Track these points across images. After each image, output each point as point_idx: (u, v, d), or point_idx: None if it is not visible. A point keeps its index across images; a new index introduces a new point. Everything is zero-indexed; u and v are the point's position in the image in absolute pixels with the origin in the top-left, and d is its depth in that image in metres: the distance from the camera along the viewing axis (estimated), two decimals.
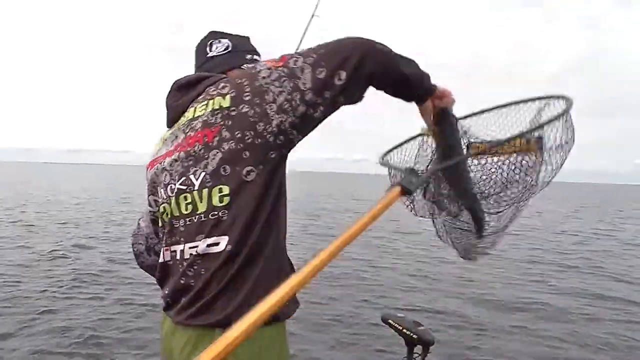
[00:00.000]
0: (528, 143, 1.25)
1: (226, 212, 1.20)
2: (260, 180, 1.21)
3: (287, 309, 1.28)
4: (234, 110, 1.22)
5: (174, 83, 1.46)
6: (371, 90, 1.28)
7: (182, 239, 1.27)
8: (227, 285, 1.19)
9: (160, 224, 1.40)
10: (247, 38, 1.59)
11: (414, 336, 2.25)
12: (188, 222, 1.26)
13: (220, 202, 1.21)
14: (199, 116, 1.28)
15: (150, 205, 1.47)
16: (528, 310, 6.84)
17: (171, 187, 1.30)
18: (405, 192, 1.15)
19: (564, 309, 6.94)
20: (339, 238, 0.97)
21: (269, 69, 1.23)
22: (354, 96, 1.25)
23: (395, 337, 2.37)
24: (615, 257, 11.69)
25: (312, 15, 2.39)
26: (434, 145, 1.49)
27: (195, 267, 1.22)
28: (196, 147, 1.25)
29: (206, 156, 1.23)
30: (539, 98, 1.36)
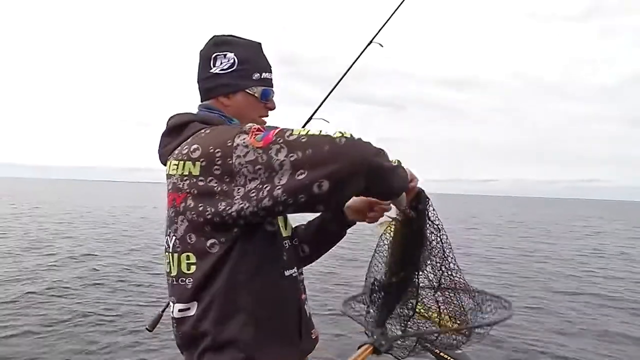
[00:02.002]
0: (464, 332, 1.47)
1: (191, 280, 1.22)
2: (223, 251, 1.20)
3: None
4: (202, 181, 1.17)
5: (168, 120, 1.39)
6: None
7: (171, 296, 1.30)
8: (188, 347, 1.27)
9: None
10: (258, 47, 1.43)
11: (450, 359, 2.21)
12: (169, 281, 1.30)
13: (188, 269, 1.23)
14: (172, 175, 1.25)
15: None
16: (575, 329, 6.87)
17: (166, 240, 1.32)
18: (376, 351, 1.37)
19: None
20: None
21: (246, 146, 1.12)
22: (330, 205, 1.16)
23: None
24: None
25: (370, 42, 2.30)
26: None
27: (176, 327, 1.29)
28: (170, 210, 1.27)
29: (176, 221, 1.24)
30: (492, 295, 1.58)
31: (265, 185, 1.10)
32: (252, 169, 1.11)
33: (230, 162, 1.13)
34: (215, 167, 1.15)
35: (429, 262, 1.46)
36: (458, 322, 1.49)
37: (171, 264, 1.27)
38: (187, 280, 1.23)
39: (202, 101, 1.43)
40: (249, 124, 1.20)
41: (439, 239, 1.45)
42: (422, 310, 1.52)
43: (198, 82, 1.43)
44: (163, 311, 2.33)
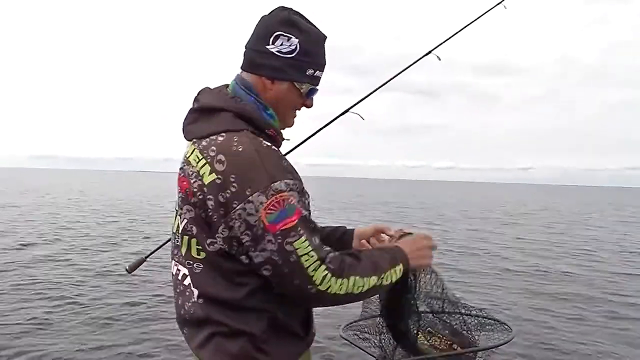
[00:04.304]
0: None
1: (201, 265, 1.24)
2: (222, 251, 1.21)
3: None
4: (206, 192, 1.19)
5: (198, 94, 1.35)
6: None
7: (179, 264, 1.31)
8: (194, 326, 1.29)
9: None
10: (323, 41, 1.34)
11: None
12: (177, 252, 1.32)
13: (198, 255, 1.24)
14: (190, 163, 1.25)
15: None
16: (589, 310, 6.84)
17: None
18: None
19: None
20: None
21: (256, 211, 1.14)
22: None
23: None
24: None
25: (428, 52, 2.26)
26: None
27: (180, 298, 1.31)
28: (180, 193, 1.28)
29: (182, 206, 1.26)
30: (492, 319, 1.63)
31: (241, 248, 1.18)
32: (244, 229, 1.16)
33: (235, 205, 1.15)
34: (222, 194, 1.16)
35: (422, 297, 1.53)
36: (460, 346, 1.53)
37: (181, 243, 1.29)
38: (195, 265, 1.26)
39: (242, 68, 1.35)
40: (276, 186, 1.16)
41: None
42: (423, 338, 1.56)
43: (247, 48, 1.33)
44: (147, 257, 2.38)
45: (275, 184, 1.15)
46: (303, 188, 1.29)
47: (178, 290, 1.32)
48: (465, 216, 24.63)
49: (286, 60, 1.28)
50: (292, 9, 1.31)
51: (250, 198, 1.14)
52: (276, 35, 1.27)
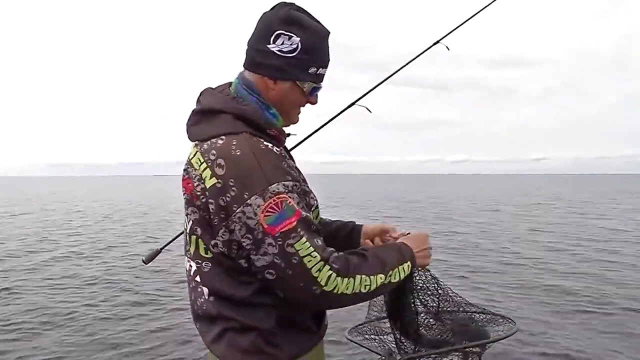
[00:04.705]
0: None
1: (209, 264, 1.26)
2: (223, 253, 1.23)
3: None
4: (211, 200, 1.19)
5: (200, 95, 1.34)
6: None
7: (190, 260, 1.33)
8: (207, 322, 1.30)
9: None
10: (326, 37, 1.31)
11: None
12: (188, 249, 1.33)
13: (205, 254, 1.26)
14: (193, 165, 1.26)
15: None
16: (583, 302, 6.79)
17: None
18: None
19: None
20: None
21: (255, 215, 1.14)
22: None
23: None
24: None
25: (436, 42, 2.19)
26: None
27: (194, 293, 1.33)
28: (185, 194, 1.29)
29: (187, 207, 1.28)
30: (492, 314, 1.65)
31: (241, 252, 1.19)
32: (244, 232, 1.16)
33: (235, 209, 1.15)
34: (222, 198, 1.17)
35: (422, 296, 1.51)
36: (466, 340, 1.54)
37: (190, 242, 1.30)
38: (203, 264, 1.27)
39: (245, 67, 1.33)
40: (274, 188, 1.15)
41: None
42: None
43: (249, 46, 1.31)
44: (162, 248, 2.40)
45: (273, 186, 1.15)
46: (305, 189, 1.29)
47: (191, 286, 1.33)
48: (477, 209, 24.47)
49: (288, 60, 1.25)
50: (293, 4, 1.28)
51: (248, 201, 1.14)
52: (277, 34, 1.24)
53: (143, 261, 2.42)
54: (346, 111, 2.31)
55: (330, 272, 1.16)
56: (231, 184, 1.16)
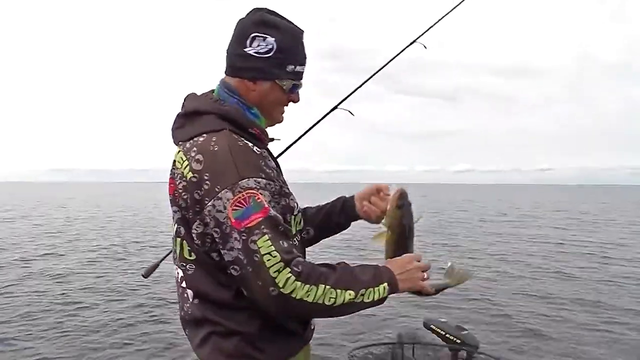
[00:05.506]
0: None
1: (193, 267, 1.27)
2: (207, 252, 1.24)
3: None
4: (189, 194, 1.22)
5: (185, 99, 1.39)
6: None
7: (177, 268, 1.35)
8: (193, 326, 1.31)
9: None
10: (300, 36, 1.35)
11: (458, 341, 2.25)
12: (174, 255, 1.35)
13: (189, 255, 1.27)
14: (177, 165, 1.28)
15: None
16: (577, 310, 6.70)
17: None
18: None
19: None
20: None
21: (224, 208, 1.15)
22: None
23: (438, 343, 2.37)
24: None
25: (413, 42, 2.22)
26: None
27: (181, 300, 1.33)
28: (170, 195, 1.31)
29: (172, 208, 1.30)
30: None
31: (214, 245, 1.20)
32: (214, 225, 1.18)
33: (207, 202, 1.18)
34: (197, 192, 1.20)
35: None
36: None
37: (175, 245, 1.32)
38: (187, 266, 1.28)
39: (226, 73, 1.37)
40: (244, 183, 1.16)
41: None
42: None
43: (227, 52, 1.35)
44: (160, 262, 2.38)
45: (243, 181, 1.16)
46: (286, 190, 1.31)
47: (178, 293, 1.35)
48: (482, 220, 24.40)
49: (264, 60, 1.29)
50: (266, 8, 1.33)
51: (219, 194, 1.16)
52: (252, 37, 1.29)
53: (142, 275, 2.41)
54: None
55: (290, 275, 1.12)
56: (206, 177, 1.19)
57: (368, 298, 1.21)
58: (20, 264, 10.55)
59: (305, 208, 1.61)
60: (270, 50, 1.29)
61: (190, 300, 1.29)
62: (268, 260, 1.12)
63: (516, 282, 8.46)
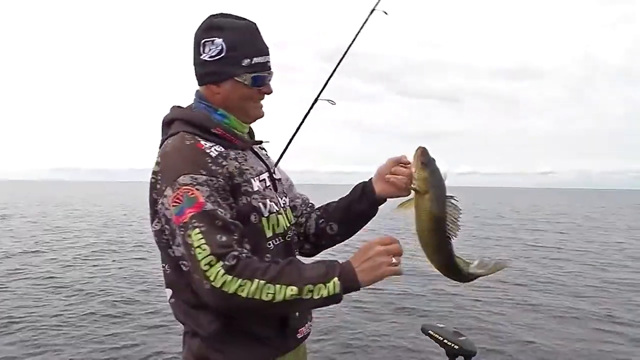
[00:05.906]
0: None
1: (166, 268, 1.33)
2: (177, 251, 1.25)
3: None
4: (150, 195, 1.29)
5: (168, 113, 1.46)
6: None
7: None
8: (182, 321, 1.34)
9: None
10: (251, 29, 1.37)
11: (455, 347, 2.21)
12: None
13: (167, 256, 1.31)
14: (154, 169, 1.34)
15: None
16: (573, 320, 6.65)
17: None
18: None
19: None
20: None
21: (169, 205, 1.21)
22: None
23: (436, 348, 2.34)
24: None
25: (373, 10, 2.04)
26: None
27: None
28: (149, 198, 1.34)
29: (150, 210, 1.32)
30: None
31: (170, 242, 1.26)
32: (164, 222, 1.25)
33: (158, 201, 1.26)
34: (154, 192, 1.27)
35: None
36: None
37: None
38: (166, 266, 1.34)
39: (198, 85, 1.43)
40: (181, 179, 1.20)
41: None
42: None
43: (193, 65, 1.41)
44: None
45: (181, 177, 1.20)
46: (243, 189, 1.29)
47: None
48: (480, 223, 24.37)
49: (217, 62, 1.33)
50: (216, 14, 1.38)
51: (165, 192, 1.22)
52: (203, 44, 1.34)
53: None
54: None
55: (220, 268, 1.11)
56: (159, 177, 1.26)
57: (317, 295, 1.15)
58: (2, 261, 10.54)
59: (327, 203, 1.60)
60: (221, 51, 1.32)
61: (168, 298, 1.35)
62: (199, 253, 1.13)
63: (515, 289, 8.37)
